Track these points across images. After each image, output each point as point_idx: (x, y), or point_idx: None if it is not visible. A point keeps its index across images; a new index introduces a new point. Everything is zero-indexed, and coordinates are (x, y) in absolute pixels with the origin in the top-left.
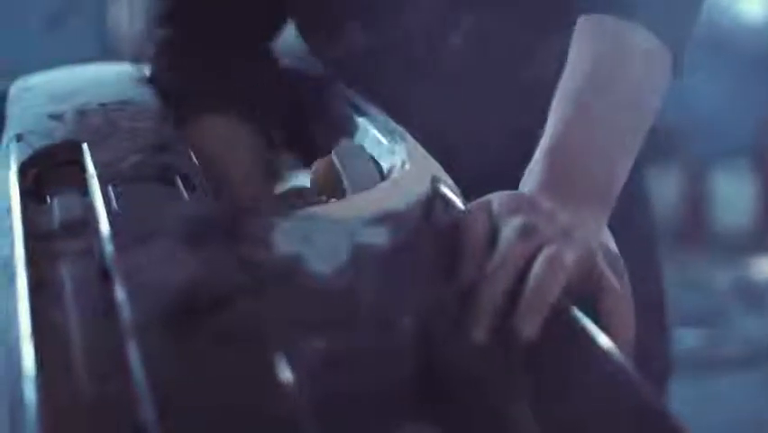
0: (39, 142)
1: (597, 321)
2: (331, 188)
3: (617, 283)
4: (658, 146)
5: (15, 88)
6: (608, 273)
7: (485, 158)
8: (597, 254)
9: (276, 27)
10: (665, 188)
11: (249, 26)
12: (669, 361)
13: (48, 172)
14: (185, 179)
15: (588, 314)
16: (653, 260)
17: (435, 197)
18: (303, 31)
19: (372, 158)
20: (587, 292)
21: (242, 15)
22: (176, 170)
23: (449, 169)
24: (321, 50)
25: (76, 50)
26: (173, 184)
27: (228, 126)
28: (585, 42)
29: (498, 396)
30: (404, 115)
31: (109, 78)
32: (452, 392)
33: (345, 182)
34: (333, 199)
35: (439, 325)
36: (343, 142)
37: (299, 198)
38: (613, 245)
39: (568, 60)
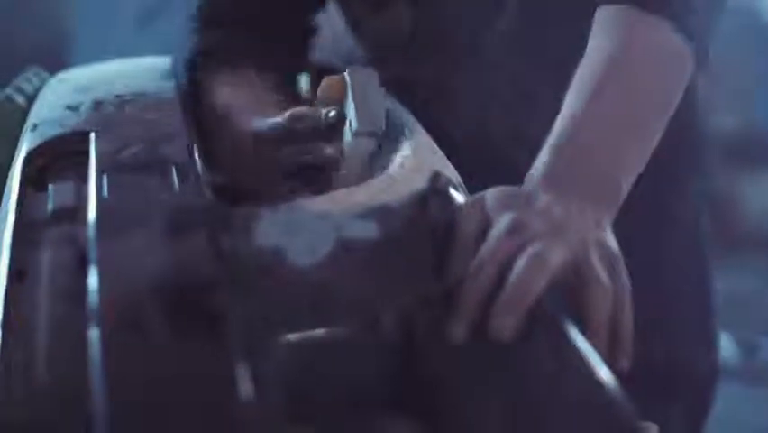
0: (51, 132)
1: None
2: (335, 101)
3: (606, 281)
4: (753, 151)
5: (52, 81)
6: (599, 270)
7: (525, 146)
8: (589, 251)
9: (317, 5)
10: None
11: (292, 23)
12: (714, 366)
13: (56, 161)
14: (179, 170)
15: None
16: (698, 263)
17: (432, 192)
18: (345, 7)
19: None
20: (574, 288)
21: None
22: (171, 161)
23: (485, 156)
24: (363, 24)
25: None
26: (167, 175)
27: (257, 80)
28: (602, 34)
29: (464, 394)
30: (442, 98)
31: (139, 71)
32: (426, 389)
33: (351, 101)
34: (332, 110)
35: (422, 321)
36: (359, 68)
37: (300, 120)
38: (613, 243)
39: (586, 51)
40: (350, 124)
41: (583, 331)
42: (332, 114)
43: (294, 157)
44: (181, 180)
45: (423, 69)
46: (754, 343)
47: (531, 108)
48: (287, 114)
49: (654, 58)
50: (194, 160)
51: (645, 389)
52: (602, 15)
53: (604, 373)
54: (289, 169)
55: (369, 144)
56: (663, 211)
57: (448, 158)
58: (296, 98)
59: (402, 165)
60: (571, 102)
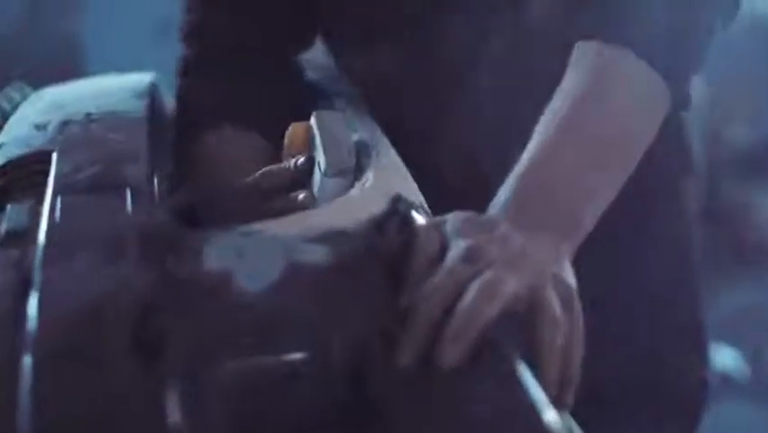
0: (15, 152)
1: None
2: (301, 149)
3: (559, 313)
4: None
5: (29, 99)
6: (552, 302)
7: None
8: (544, 282)
9: (303, 44)
10: None
11: (276, 42)
12: (703, 381)
13: (16, 182)
14: (135, 192)
15: None
16: (687, 278)
17: (390, 215)
18: (332, 46)
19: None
20: (527, 320)
21: (270, 32)
22: (127, 183)
23: (475, 184)
24: (349, 66)
25: None
26: (121, 197)
27: (246, 138)
28: (577, 68)
29: (404, 427)
30: (428, 133)
31: (114, 89)
32: (371, 418)
33: (318, 145)
34: (300, 158)
35: (371, 348)
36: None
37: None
38: (569, 277)
39: (560, 84)
40: (319, 166)
41: (533, 362)
42: (300, 161)
43: (267, 209)
44: (135, 203)
45: (412, 104)
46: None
47: (519, 139)
48: (257, 174)
49: (627, 94)
50: (152, 182)
51: (632, 404)
52: (579, 50)
53: (547, 412)
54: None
55: (339, 184)
56: (648, 227)
57: (439, 190)
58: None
59: (363, 188)
60: (539, 133)
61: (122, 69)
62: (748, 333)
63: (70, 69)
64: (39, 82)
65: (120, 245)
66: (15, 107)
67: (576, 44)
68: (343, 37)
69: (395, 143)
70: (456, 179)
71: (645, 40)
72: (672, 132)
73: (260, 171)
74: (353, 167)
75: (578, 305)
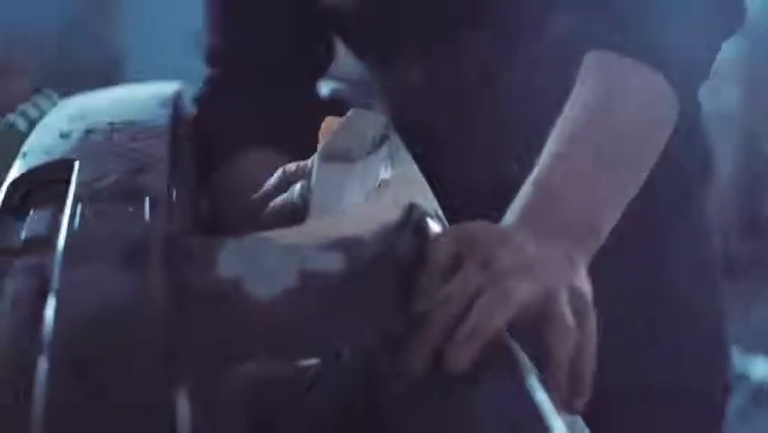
0: (38, 160)
1: None
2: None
3: (570, 322)
4: None
5: (57, 106)
6: (564, 311)
7: None
8: (558, 290)
9: (323, 65)
10: None
11: (300, 60)
12: (725, 390)
13: (38, 190)
14: (153, 200)
15: None
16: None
17: (404, 224)
18: (360, 58)
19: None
20: (538, 328)
21: (294, 50)
22: (146, 191)
23: (502, 192)
24: (376, 76)
25: None
26: (139, 205)
27: (276, 160)
28: (588, 78)
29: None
30: (455, 142)
31: (140, 98)
32: (382, 425)
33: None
34: None
35: (382, 355)
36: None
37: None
38: (584, 285)
39: (571, 94)
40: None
41: (544, 369)
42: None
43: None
44: (153, 211)
45: (439, 114)
46: None
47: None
48: (279, 171)
49: (637, 103)
50: (170, 190)
51: (653, 408)
52: (589, 60)
53: (553, 420)
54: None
55: (331, 169)
56: (663, 236)
57: (465, 197)
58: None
59: (378, 195)
60: (553, 142)
61: (160, 78)
62: None
63: (110, 78)
64: (79, 91)
65: (136, 253)
66: (42, 115)
67: (589, 52)
68: (370, 50)
69: (422, 151)
70: (483, 187)
71: (658, 50)
72: (689, 134)
73: (282, 169)
74: (353, 155)
75: (592, 314)
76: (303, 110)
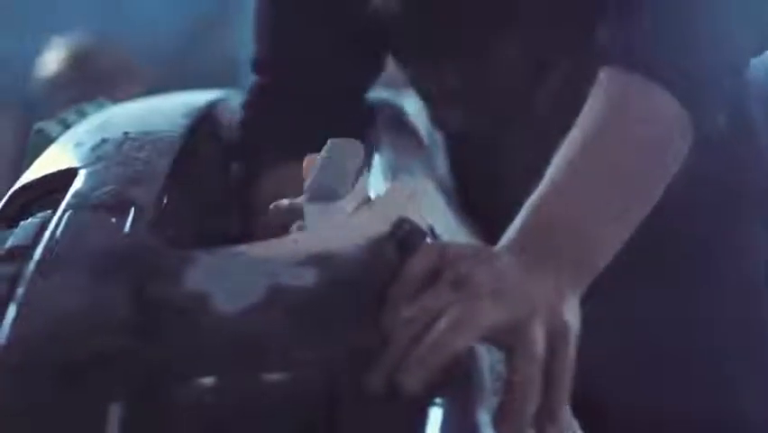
0: (46, 169)
1: None
2: None
3: (539, 351)
4: None
5: (93, 114)
6: (535, 338)
7: None
8: (529, 320)
9: (371, 76)
10: None
11: (346, 74)
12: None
13: (39, 199)
14: (138, 211)
15: None
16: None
17: (389, 239)
18: (400, 63)
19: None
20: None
21: (341, 64)
22: (133, 204)
23: None
24: (417, 82)
25: None
26: (124, 216)
27: None
28: (599, 98)
29: None
30: (489, 146)
31: (169, 107)
32: None
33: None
34: None
35: (345, 372)
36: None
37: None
38: (570, 314)
39: (581, 113)
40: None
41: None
42: None
43: None
44: (135, 223)
45: (475, 119)
46: None
47: None
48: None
49: (650, 129)
50: (159, 202)
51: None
52: (605, 78)
53: None
54: None
55: (319, 210)
56: (708, 261)
57: (498, 203)
58: None
59: (367, 209)
60: (554, 165)
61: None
62: None
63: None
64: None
65: (104, 264)
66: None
67: (601, 69)
68: (409, 56)
69: (459, 156)
70: (516, 193)
71: (670, 71)
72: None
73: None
74: (339, 192)
75: (572, 343)
76: (349, 120)
